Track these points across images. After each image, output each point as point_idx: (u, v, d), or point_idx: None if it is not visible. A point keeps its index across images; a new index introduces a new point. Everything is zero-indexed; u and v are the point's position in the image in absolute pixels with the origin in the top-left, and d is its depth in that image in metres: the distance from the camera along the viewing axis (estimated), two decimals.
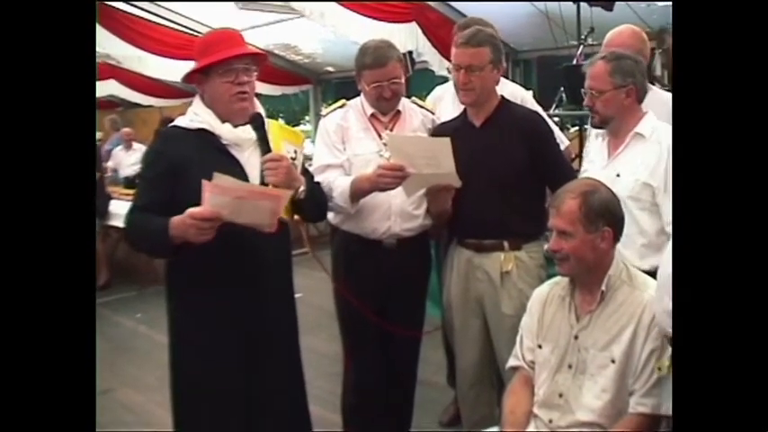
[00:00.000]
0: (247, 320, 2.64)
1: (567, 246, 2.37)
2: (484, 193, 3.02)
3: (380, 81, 3.15)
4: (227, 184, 2.41)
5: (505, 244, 3.08)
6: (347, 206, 3.09)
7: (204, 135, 2.59)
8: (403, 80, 3.24)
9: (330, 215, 3.23)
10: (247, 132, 2.64)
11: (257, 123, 2.66)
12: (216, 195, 2.37)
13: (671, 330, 1.90)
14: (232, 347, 2.64)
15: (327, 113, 3.40)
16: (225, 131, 2.60)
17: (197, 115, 2.63)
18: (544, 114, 3.87)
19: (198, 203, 2.37)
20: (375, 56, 3.15)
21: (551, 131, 3.32)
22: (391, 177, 2.92)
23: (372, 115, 3.27)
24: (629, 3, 6.62)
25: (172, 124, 2.71)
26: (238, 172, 2.57)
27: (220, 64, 2.57)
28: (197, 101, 2.68)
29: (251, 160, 2.64)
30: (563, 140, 3.98)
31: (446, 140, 2.87)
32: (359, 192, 3.07)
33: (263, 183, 2.59)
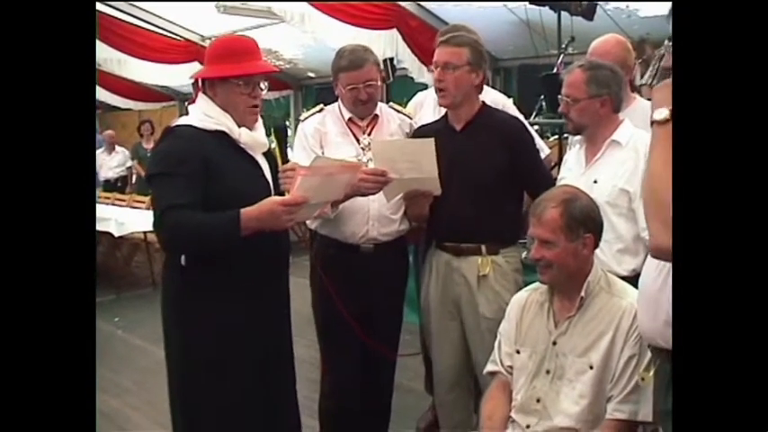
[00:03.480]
0: (265, 328, 2.66)
1: (550, 254, 2.39)
2: (462, 197, 3.03)
3: (356, 83, 3.15)
4: (321, 163, 2.57)
5: (483, 248, 3.09)
6: (327, 211, 3.08)
7: (222, 137, 2.58)
8: (379, 83, 3.25)
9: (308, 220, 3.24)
10: (262, 137, 2.70)
11: (280, 135, 2.79)
12: (308, 178, 2.46)
13: (662, 342, 1.91)
14: (253, 355, 2.62)
15: (305, 118, 3.40)
16: (244, 135, 2.61)
17: (210, 117, 2.58)
18: (523, 120, 3.90)
19: (233, 201, 2.42)
20: (351, 58, 3.17)
21: (532, 137, 3.33)
22: (373, 182, 2.92)
23: (350, 120, 3.28)
24: (610, 13, 6.69)
25: (181, 123, 2.64)
26: (260, 174, 2.66)
27: (243, 76, 2.58)
28: (206, 101, 2.62)
29: (263, 163, 2.70)
30: (543, 149, 3.99)
31: (429, 141, 2.89)
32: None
33: (275, 185, 2.67)
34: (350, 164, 2.84)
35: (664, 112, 1.71)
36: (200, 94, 2.66)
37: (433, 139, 2.91)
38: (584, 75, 2.92)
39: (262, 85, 2.66)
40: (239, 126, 2.60)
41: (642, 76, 6.64)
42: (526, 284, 2.80)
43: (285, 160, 2.78)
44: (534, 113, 5.81)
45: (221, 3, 7.96)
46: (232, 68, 2.57)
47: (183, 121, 2.66)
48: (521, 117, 3.67)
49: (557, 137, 5.92)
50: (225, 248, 2.48)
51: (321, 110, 3.37)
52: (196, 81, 2.69)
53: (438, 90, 3.08)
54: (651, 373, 2.24)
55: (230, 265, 2.53)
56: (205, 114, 2.60)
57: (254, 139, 2.65)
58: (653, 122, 1.74)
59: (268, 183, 2.68)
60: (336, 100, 3.34)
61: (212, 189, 2.49)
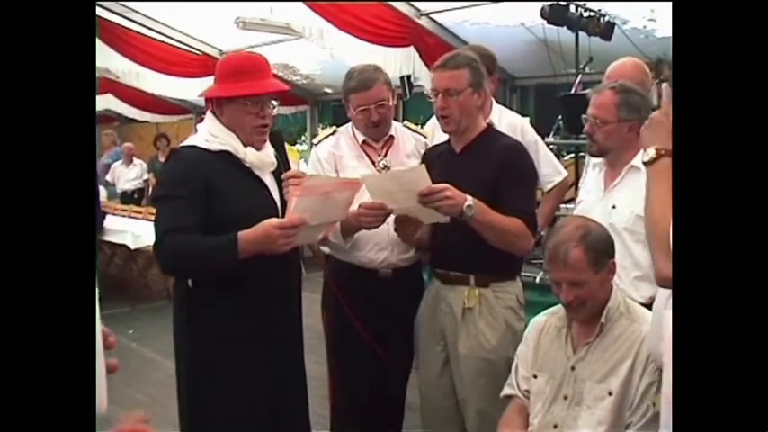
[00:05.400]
0: (274, 346, 2.65)
1: (582, 292, 2.37)
2: (454, 223, 2.79)
3: (367, 104, 3.08)
4: (316, 182, 2.53)
5: (471, 278, 2.93)
6: (340, 242, 3.03)
7: (226, 157, 2.55)
8: (391, 103, 3.17)
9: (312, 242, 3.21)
10: (270, 157, 2.66)
11: (278, 143, 2.71)
12: (303, 198, 2.41)
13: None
14: (261, 373, 2.61)
15: (319, 141, 3.35)
16: (249, 155, 2.57)
17: (215, 137, 2.56)
18: (540, 142, 3.87)
19: (236, 222, 2.39)
20: (360, 79, 3.09)
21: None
22: (372, 217, 2.83)
23: (364, 142, 3.22)
24: (627, 33, 6.69)
25: (187, 144, 2.63)
26: (266, 194, 2.62)
27: (250, 96, 2.54)
28: (213, 121, 2.60)
29: (271, 183, 2.66)
30: (561, 171, 3.94)
31: (421, 168, 2.81)
32: (350, 229, 2.98)
33: (282, 202, 2.62)
34: (347, 181, 2.77)
35: (651, 152, 1.81)
36: (208, 113, 2.64)
37: (423, 165, 2.85)
38: (615, 97, 2.86)
39: (273, 103, 2.62)
40: (245, 146, 2.57)
41: (660, 97, 6.62)
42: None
43: (286, 168, 2.72)
44: (552, 133, 5.79)
45: (240, 18, 7.99)
46: (239, 88, 2.54)
47: (189, 141, 2.64)
48: (538, 139, 3.63)
49: (572, 155, 5.90)
50: (222, 272, 2.47)
51: (334, 132, 3.33)
52: (208, 98, 2.66)
53: (441, 117, 2.94)
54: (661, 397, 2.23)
55: (237, 286, 2.51)
56: (210, 134, 2.58)
57: (261, 158, 2.61)
58: (644, 163, 1.82)
59: (275, 203, 2.63)
60: None
61: (215, 211, 2.47)
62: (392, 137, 3.25)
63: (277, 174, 2.70)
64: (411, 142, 3.31)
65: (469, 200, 2.69)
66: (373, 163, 3.19)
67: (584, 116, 2.95)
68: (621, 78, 3.26)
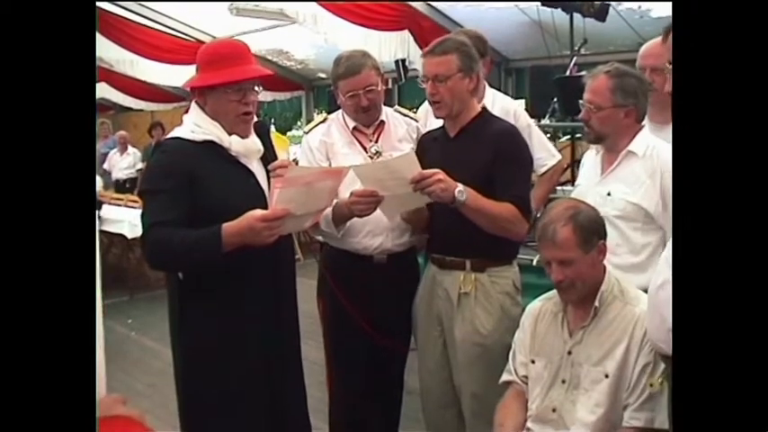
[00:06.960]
0: (267, 334, 2.64)
1: (571, 272, 2.38)
2: (450, 208, 2.78)
3: (355, 90, 3.06)
4: (296, 173, 2.49)
5: (467, 263, 2.93)
6: (333, 231, 3.03)
7: (212, 147, 2.53)
8: (380, 88, 3.15)
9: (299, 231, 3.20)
10: (256, 144, 2.64)
11: (262, 131, 2.69)
12: (285, 190, 2.40)
13: (667, 348, 1.91)
14: (255, 361, 2.62)
15: (309, 129, 3.34)
16: (234, 143, 2.56)
17: (200, 127, 2.54)
18: (534, 126, 3.87)
19: (222, 213, 2.38)
20: (347, 65, 3.07)
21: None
22: (364, 204, 2.83)
23: (355, 128, 3.20)
24: (622, 14, 6.66)
25: (172, 136, 2.61)
26: (253, 183, 2.60)
27: (231, 83, 2.52)
28: (197, 111, 2.58)
29: (259, 170, 2.65)
30: (555, 154, 3.94)
31: (410, 154, 2.82)
32: (342, 217, 2.98)
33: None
34: (330, 170, 2.78)
35: None
36: (192, 103, 2.62)
37: (413, 152, 2.85)
38: (610, 82, 2.78)
39: (256, 89, 2.60)
40: (230, 134, 2.55)
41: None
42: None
43: (272, 156, 2.72)
44: (548, 115, 5.78)
45: (234, 4, 7.94)
46: (218, 75, 2.51)
47: (174, 132, 2.62)
48: (531, 123, 3.62)
49: (569, 138, 5.90)
50: (208, 265, 2.46)
51: (325, 120, 3.32)
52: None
53: (432, 103, 2.95)
54: (660, 379, 2.24)
55: (226, 277, 2.51)
56: (195, 124, 2.56)
57: (247, 146, 2.59)
58: None
59: (262, 191, 2.60)
60: None
61: (200, 202, 2.46)
62: (383, 122, 3.23)
63: (265, 161, 2.69)
64: (402, 126, 3.30)
65: (460, 186, 2.70)
66: (365, 149, 3.17)
67: (580, 101, 2.89)
68: (658, 60, 3.07)
